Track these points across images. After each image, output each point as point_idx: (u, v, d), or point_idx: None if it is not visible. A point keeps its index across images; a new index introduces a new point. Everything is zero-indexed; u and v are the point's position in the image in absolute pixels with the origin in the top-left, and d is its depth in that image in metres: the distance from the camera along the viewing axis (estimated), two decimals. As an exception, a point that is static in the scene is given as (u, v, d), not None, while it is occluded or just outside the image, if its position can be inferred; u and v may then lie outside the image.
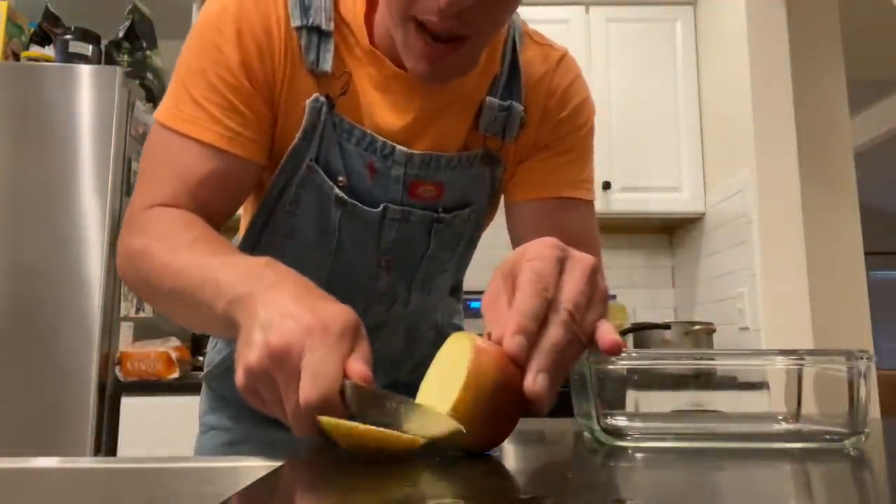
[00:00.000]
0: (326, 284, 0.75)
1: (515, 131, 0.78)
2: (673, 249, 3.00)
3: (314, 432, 0.45)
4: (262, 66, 0.70)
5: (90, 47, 2.34)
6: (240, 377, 0.47)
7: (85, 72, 2.15)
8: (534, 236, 0.80)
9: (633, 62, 2.75)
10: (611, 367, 0.48)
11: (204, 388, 0.93)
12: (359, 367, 0.45)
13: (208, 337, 0.95)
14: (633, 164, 2.68)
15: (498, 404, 0.43)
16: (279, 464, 0.43)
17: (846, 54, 2.56)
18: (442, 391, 0.44)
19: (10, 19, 2.31)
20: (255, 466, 0.55)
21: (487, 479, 0.40)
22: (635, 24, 2.78)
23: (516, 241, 0.83)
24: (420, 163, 0.74)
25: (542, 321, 0.45)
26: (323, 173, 0.73)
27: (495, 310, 0.48)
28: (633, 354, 0.52)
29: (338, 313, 0.47)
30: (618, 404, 0.49)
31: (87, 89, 2.13)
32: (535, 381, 0.43)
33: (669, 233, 3.01)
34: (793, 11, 2.37)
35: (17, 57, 2.30)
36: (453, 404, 0.42)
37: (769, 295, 2.22)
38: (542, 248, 0.48)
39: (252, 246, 0.78)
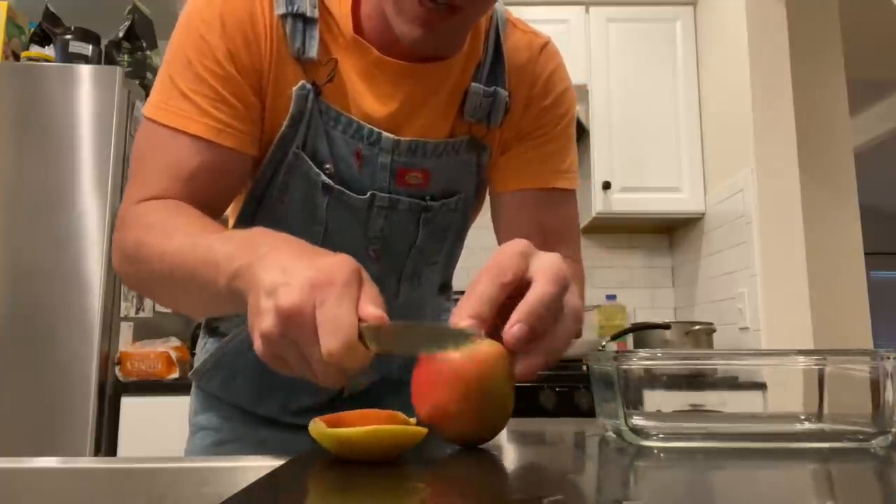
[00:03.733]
0: None
1: (500, 117, 0.79)
2: (673, 249, 3.00)
3: (344, 380, 0.47)
4: (249, 55, 0.70)
5: (90, 47, 2.34)
6: (258, 346, 0.48)
7: (85, 72, 2.15)
8: (517, 226, 0.82)
9: (633, 62, 2.75)
10: (636, 366, 0.48)
11: (194, 389, 0.92)
12: (372, 310, 0.46)
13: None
14: (633, 164, 2.68)
15: (486, 401, 0.46)
16: (279, 464, 0.43)
17: (846, 54, 2.56)
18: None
19: (10, 19, 2.31)
20: (255, 466, 0.55)
21: (487, 479, 0.40)
22: (635, 24, 2.78)
23: (500, 231, 0.84)
24: (407, 150, 0.75)
25: (498, 304, 0.48)
26: (310, 161, 0.73)
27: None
28: (659, 354, 0.53)
29: (338, 263, 0.48)
30: (639, 404, 0.49)
31: (87, 89, 2.13)
32: (510, 330, 0.46)
33: (669, 233, 3.00)
34: (793, 11, 2.37)
35: (17, 57, 2.30)
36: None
37: (769, 295, 2.22)
38: (509, 246, 0.51)
39: None
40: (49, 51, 2.32)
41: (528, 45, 0.82)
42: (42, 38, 2.37)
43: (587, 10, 2.77)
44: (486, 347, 0.46)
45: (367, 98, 0.73)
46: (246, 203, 0.78)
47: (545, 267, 0.48)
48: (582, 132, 2.73)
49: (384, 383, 0.87)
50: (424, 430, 0.44)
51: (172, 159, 0.68)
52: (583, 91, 2.71)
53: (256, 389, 0.85)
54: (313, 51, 0.71)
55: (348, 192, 0.74)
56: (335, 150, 0.74)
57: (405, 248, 0.80)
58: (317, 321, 0.45)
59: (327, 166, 0.74)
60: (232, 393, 0.86)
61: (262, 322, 0.46)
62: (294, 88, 0.71)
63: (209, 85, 0.68)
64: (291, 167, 0.73)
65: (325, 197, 0.74)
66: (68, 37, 2.31)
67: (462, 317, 0.48)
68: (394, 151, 0.74)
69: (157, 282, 0.64)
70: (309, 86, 0.71)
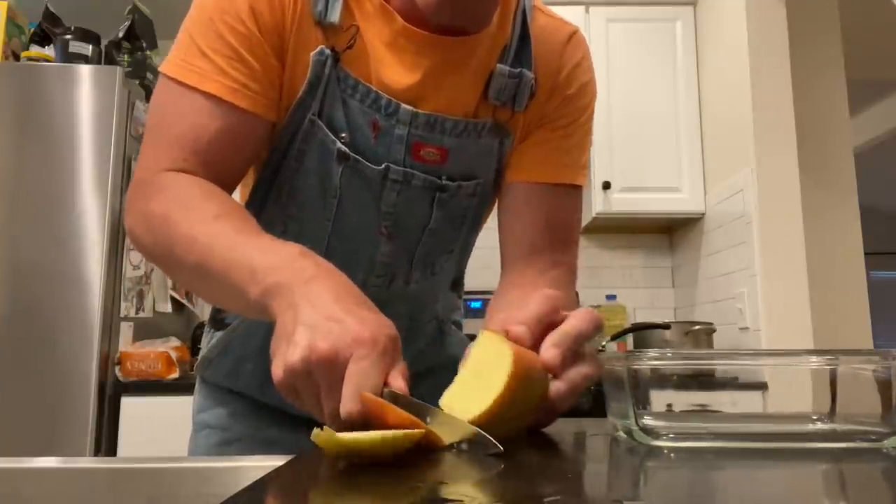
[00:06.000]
0: (326, 247, 0.75)
1: (525, 100, 0.78)
2: (673, 249, 3.00)
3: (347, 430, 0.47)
4: (272, 14, 0.69)
5: (90, 47, 2.34)
6: (278, 373, 0.48)
7: (85, 72, 2.15)
8: (524, 219, 0.82)
9: (633, 62, 2.75)
10: (648, 366, 0.48)
11: (198, 385, 0.91)
12: (399, 384, 0.47)
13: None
14: (633, 164, 2.68)
15: (526, 400, 0.48)
16: (279, 463, 0.43)
17: (846, 54, 2.56)
18: (482, 387, 0.48)
19: (10, 19, 2.31)
20: (255, 466, 0.55)
21: (487, 479, 0.40)
22: (635, 24, 2.78)
23: (505, 223, 0.83)
24: (425, 123, 0.74)
25: (546, 322, 0.53)
26: (325, 128, 0.72)
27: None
28: (669, 354, 0.53)
29: (383, 326, 0.49)
30: (650, 404, 0.49)
31: (87, 89, 2.13)
32: (547, 352, 0.50)
33: (669, 233, 3.01)
34: (793, 11, 2.37)
35: (17, 57, 2.30)
36: (494, 401, 0.47)
37: (769, 295, 2.22)
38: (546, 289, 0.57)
39: (259, 206, 0.78)
40: (49, 51, 2.32)
41: (555, 31, 0.81)
42: (42, 38, 2.37)
43: (587, 10, 2.77)
44: (531, 358, 0.49)
45: (390, 67, 0.72)
46: (263, 172, 0.77)
47: (582, 309, 0.54)
48: (582, 132, 2.72)
49: None
50: (422, 432, 0.44)
51: (190, 122, 0.67)
52: (583, 91, 2.70)
53: (265, 375, 0.84)
54: (335, 15, 0.70)
55: (363, 161, 0.73)
56: (351, 119, 0.72)
57: (418, 228, 0.79)
58: (346, 374, 0.46)
59: (343, 135, 0.73)
60: (240, 381, 0.86)
61: (292, 353, 0.47)
62: (312, 53, 0.70)
63: (228, 44, 0.67)
64: (307, 135, 0.73)
65: (339, 166, 0.73)
66: (68, 37, 2.32)
67: (513, 323, 0.52)
68: (411, 124, 0.73)
69: (179, 263, 0.63)
70: (328, 51, 0.70)
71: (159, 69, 0.71)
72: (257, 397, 0.86)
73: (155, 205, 0.65)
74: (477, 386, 0.49)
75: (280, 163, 0.75)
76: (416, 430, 0.43)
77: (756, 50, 2.35)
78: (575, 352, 0.51)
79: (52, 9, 2.43)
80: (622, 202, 2.66)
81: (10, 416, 1.98)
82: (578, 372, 0.51)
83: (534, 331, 0.52)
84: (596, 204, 2.65)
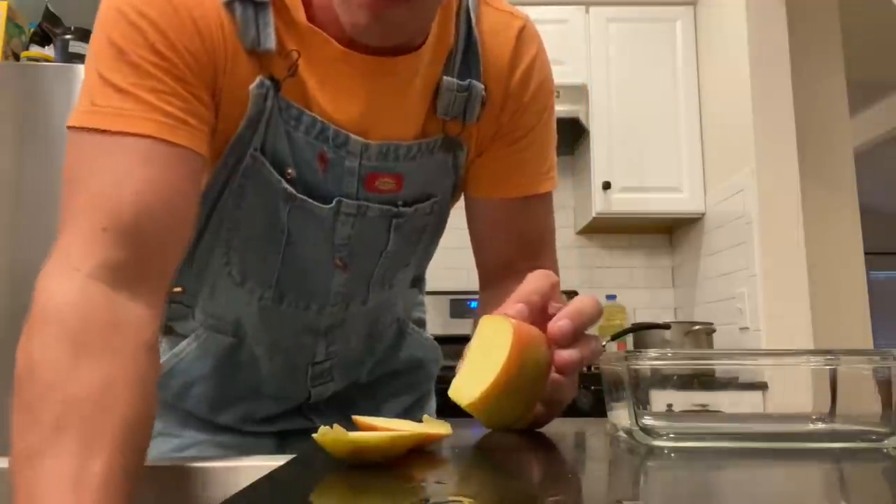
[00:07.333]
0: (276, 281, 0.72)
1: (476, 112, 0.71)
2: (673, 249, 3.00)
3: None
4: (205, 47, 0.60)
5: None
6: None
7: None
8: (496, 235, 0.81)
9: (633, 62, 2.75)
10: (648, 366, 0.48)
11: None
12: None
13: None
14: (633, 164, 2.68)
15: (532, 369, 0.49)
16: (279, 464, 0.43)
17: (846, 54, 2.56)
18: (487, 364, 0.49)
19: (10, 19, 2.31)
20: (255, 466, 0.55)
21: (488, 479, 0.40)
22: (635, 24, 2.78)
23: (476, 235, 0.80)
24: (377, 154, 0.67)
25: (547, 299, 0.54)
26: (269, 165, 0.65)
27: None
28: (669, 354, 0.54)
29: None
30: (650, 404, 0.49)
31: (87, 89, 2.13)
32: (556, 323, 0.51)
33: (669, 233, 3.01)
34: (793, 11, 2.37)
35: (17, 57, 2.30)
36: (500, 370, 0.47)
37: (769, 295, 2.22)
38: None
39: (196, 237, 0.70)
40: (49, 51, 2.32)
41: (504, 28, 0.72)
42: (42, 38, 2.37)
43: (587, 10, 2.77)
44: (533, 330, 0.50)
45: (330, 96, 0.65)
46: (198, 210, 0.66)
47: (584, 295, 0.55)
48: (582, 132, 2.73)
49: (354, 388, 0.85)
50: (426, 431, 0.44)
51: (111, 179, 0.55)
52: (583, 91, 2.71)
53: (215, 400, 0.81)
54: (270, 41, 0.61)
55: (311, 200, 0.67)
56: (297, 153, 0.66)
57: (375, 254, 0.74)
58: None
59: (289, 171, 0.66)
60: (188, 402, 0.82)
61: None
62: (252, 86, 0.62)
63: (153, 75, 0.56)
64: (249, 170, 0.65)
65: (286, 205, 0.67)
66: (68, 37, 2.31)
67: (512, 303, 0.52)
68: (362, 156, 0.67)
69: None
70: (268, 82, 0.62)
71: (66, 126, 0.57)
72: (208, 419, 0.83)
73: (22, 348, 0.54)
74: (482, 365, 0.49)
75: (216, 201, 0.67)
76: (420, 431, 0.43)
77: (756, 50, 2.35)
78: (581, 329, 0.52)
79: (52, 9, 2.43)
80: (622, 202, 2.66)
81: (10, 415, 1.98)
82: (587, 345, 0.52)
83: (532, 304, 0.52)
84: (596, 204, 2.66)
